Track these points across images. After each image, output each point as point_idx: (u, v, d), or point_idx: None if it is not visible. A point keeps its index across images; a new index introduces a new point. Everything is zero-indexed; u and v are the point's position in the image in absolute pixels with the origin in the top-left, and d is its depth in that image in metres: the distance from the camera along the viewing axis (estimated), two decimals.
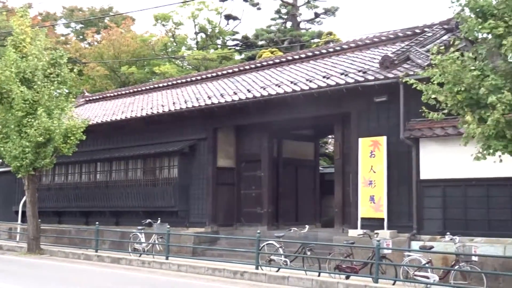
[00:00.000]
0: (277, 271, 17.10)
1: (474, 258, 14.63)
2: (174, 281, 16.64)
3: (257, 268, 17.44)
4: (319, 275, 16.21)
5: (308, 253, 17.32)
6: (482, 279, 14.02)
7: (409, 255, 15.51)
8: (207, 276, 17.60)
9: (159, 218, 23.10)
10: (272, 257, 17.84)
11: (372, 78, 18.39)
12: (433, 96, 12.44)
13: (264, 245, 18.10)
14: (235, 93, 23.03)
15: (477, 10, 11.89)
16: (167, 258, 19.94)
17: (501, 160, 12.27)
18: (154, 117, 25.40)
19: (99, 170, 28.30)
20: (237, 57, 47.08)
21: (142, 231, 22.11)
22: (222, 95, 23.51)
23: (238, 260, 19.05)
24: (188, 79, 30.30)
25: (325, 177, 27.30)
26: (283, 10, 46.81)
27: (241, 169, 24.85)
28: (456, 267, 14.51)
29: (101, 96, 35.53)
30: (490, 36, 11.94)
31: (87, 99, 35.87)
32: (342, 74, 20.02)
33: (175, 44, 48.25)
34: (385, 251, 15.89)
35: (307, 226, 19.55)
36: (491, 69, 11.88)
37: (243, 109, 22.23)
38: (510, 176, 15.18)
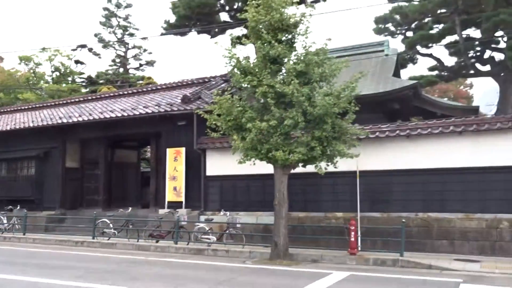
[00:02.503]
0: (108, 239, 16.43)
1: (238, 225, 15.23)
2: (29, 250, 15.13)
3: (93, 238, 16.58)
4: (137, 241, 15.82)
5: (130, 226, 16.90)
6: (243, 239, 14.64)
7: (198, 225, 15.71)
8: (56, 246, 16.31)
9: (18, 205, 20.95)
10: (104, 230, 17.05)
11: (176, 109, 18.47)
12: (214, 122, 12.66)
13: (99, 222, 17.24)
14: (80, 116, 21.66)
15: (241, 69, 12.48)
16: (24, 234, 18.23)
17: (254, 164, 12.84)
18: (17, 131, 22.93)
19: None
20: (83, 90, 44.17)
21: (4, 214, 19.88)
22: (70, 117, 21.95)
23: (80, 233, 17.92)
24: (45, 104, 27.71)
25: (144, 174, 26.63)
26: (117, 60, 44.95)
27: (84, 169, 23.36)
28: (227, 231, 15.00)
29: None
30: (249, 86, 12.56)
31: None
32: (156, 105, 19.81)
33: (35, 78, 43.87)
34: (183, 223, 16.02)
35: (130, 208, 19.04)
36: (249, 107, 12.49)
37: (86, 127, 21.00)
38: (261, 173, 15.63)
